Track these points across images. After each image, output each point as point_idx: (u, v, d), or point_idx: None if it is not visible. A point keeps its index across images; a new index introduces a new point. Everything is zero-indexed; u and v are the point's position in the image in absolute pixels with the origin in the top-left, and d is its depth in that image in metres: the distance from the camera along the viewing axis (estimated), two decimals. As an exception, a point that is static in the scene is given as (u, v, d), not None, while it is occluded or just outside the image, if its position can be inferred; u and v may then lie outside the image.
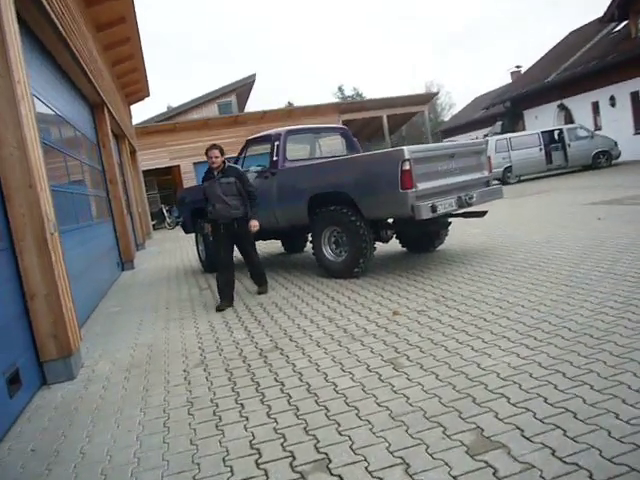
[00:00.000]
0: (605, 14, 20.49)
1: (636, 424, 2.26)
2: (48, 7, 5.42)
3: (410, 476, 2.14)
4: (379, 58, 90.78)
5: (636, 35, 19.32)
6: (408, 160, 5.54)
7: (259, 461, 2.43)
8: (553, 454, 2.13)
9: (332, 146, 8.51)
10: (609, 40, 21.59)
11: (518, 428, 2.37)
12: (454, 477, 2.08)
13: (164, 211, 22.79)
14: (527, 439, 2.27)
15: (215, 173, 5.83)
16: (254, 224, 5.82)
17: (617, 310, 3.78)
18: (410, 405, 2.77)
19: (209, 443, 2.67)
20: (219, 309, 5.63)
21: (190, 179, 23.38)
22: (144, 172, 20.52)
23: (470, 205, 6.12)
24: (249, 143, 7.84)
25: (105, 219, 9.34)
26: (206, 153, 5.85)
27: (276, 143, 7.15)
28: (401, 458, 2.28)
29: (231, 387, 3.40)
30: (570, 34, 27.82)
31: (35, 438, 3.07)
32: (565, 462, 2.06)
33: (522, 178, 18.61)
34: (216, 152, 5.76)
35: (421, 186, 5.67)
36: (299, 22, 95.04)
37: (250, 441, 2.63)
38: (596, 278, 4.73)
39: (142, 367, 4.08)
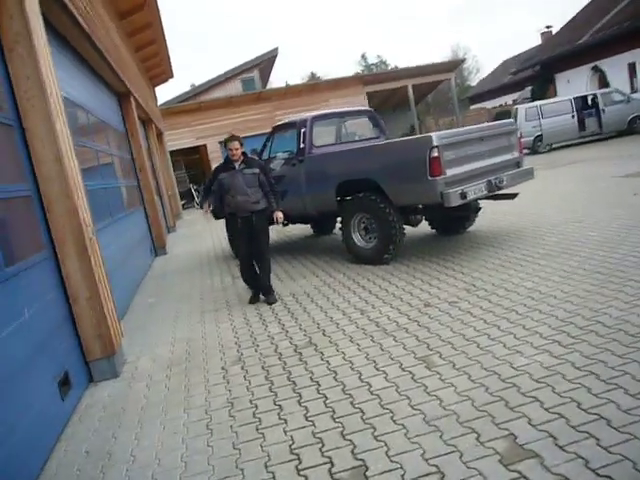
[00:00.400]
0: (640, -30, 19.56)
1: (670, 432, 2.28)
2: (72, 6, 5.48)
3: (446, 486, 2.22)
4: (404, 21, 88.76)
5: (673, -8, 18.43)
6: (436, 147, 5.51)
7: (299, 467, 2.55)
8: (586, 465, 2.18)
9: (359, 129, 8.48)
10: (644, -2, 20.64)
11: (551, 436, 2.42)
12: (489, 488, 2.15)
13: (193, 190, 23.01)
14: (560, 448, 2.32)
15: (236, 165, 5.65)
16: (279, 215, 5.69)
17: (652, 302, 3.75)
18: (443, 409, 2.84)
19: (251, 447, 2.79)
20: (252, 302, 5.76)
21: (217, 158, 23.47)
22: (171, 152, 20.72)
23: (500, 189, 6.07)
24: (275, 130, 7.86)
25: (137, 207, 9.52)
26: (225, 145, 5.65)
27: (302, 130, 7.17)
28: (436, 467, 2.36)
29: (269, 387, 3.52)
30: (603, -9, 26.66)
31: (88, 439, 3.25)
32: (598, 474, 2.11)
33: (554, 146, 18.18)
34: (236, 144, 5.53)
35: (450, 172, 5.64)
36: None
37: (290, 445, 2.75)
38: (631, 265, 4.67)
39: (182, 365, 4.23)
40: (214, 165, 22.88)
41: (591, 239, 5.78)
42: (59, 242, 3.97)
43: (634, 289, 4.07)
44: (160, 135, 17.50)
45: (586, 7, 26.72)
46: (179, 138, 22.65)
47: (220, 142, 22.84)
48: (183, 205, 21.13)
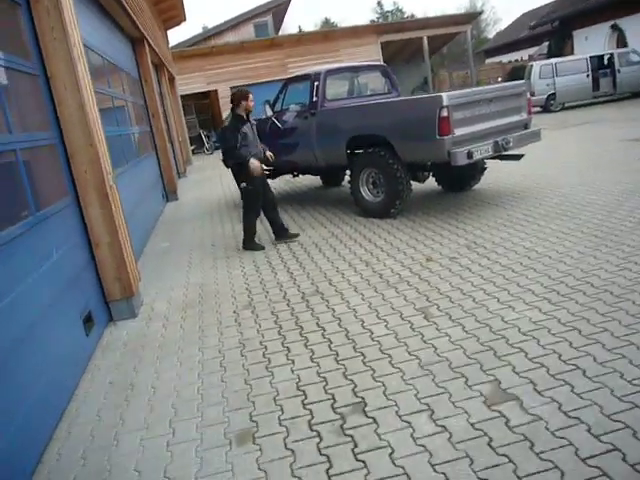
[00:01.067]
0: None
1: (638, 384, 2.54)
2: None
3: (434, 421, 2.50)
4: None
5: (703, -53, 17.78)
6: (446, 107, 5.62)
7: (305, 402, 2.84)
8: (559, 408, 2.45)
9: (371, 84, 8.53)
10: (673, -48, 19.90)
11: (532, 382, 2.69)
12: (471, 424, 2.44)
13: (202, 136, 23.02)
14: (538, 393, 2.59)
15: (250, 119, 5.96)
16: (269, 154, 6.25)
17: (641, 266, 3.98)
18: (438, 355, 3.11)
19: (261, 383, 3.09)
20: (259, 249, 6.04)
21: (227, 104, 23.25)
22: (182, 97, 20.63)
23: (507, 150, 6.20)
24: (288, 82, 7.93)
25: (149, 153, 9.69)
26: (247, 97, 5.80)
27: (315, 83, 7.24)
28: (427, 405, 2.64)
29: (277, 330, 3.81)
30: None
31: (111, 371, 3.57)
32: (569, 416, 2.39)
33: (566, 105, 18.02)
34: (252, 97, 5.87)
35: (458, 132, 5.77)
36: None
37: (297, 383, 3.04)
38: (626, 229, 4.87)
39: (196, 307, 4.53)
40: (225, 111, 22.88)
41: (592, 202, 5.95)
42: (82, 189, 4.18)
43: (625, 253, 4.28)
44: (172, 80, 17.42)
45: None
46: (190, 82, 22.51)
47: (232, 87, 22.74)
48: (193, 150, 21.20)
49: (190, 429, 2.74)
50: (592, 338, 3.03)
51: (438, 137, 5.68)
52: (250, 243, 6.14)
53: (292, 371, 3.19)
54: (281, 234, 6.27)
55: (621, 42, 21.49)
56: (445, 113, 5.63)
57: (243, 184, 5.90)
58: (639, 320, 3.16)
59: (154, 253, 6.65)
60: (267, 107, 7.58)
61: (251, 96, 5.86)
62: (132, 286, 4.48)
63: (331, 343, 3.49)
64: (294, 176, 8.90)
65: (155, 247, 6.96)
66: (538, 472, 2.09)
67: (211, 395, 3.04)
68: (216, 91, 23.53)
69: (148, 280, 5.42)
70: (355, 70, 8.14)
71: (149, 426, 2.84)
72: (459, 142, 5.78)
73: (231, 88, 23.06)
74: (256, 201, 6.07)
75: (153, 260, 6.31)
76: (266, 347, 3.57)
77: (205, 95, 24.78)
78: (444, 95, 5.68)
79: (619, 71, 17.38)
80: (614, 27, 21.78)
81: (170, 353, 3.70)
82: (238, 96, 5.81)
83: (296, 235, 6.30)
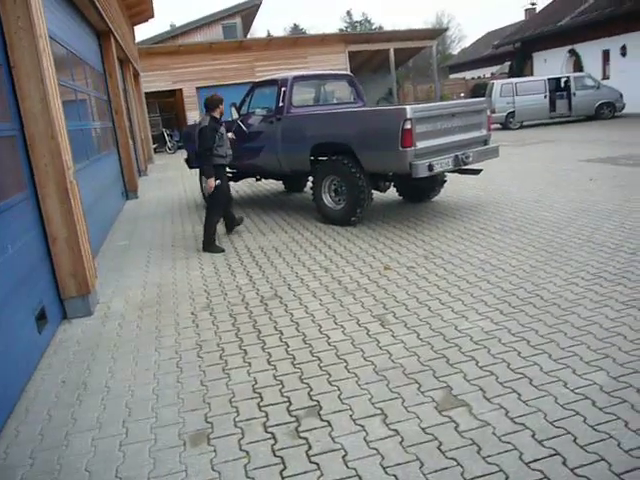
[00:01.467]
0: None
1: (580, 393, 2.68)
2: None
3: (386, 425, 2.57)
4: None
5: (656, -18, 18.73)
6: (410, 119, 5.75)
7: (260, 404, 2.87)
8: (506, 414, 2.56)
9: (337, 92, 8.63)
10: (628, -15, 20.90)
11: (481, 389, 2.79)
12: (423, 429, 2.51)
13: (165, 135, 22.73)
14: (487, 400, 2.69)
15: (222, 122, 6.32)
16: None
17: (587, 282, 4.16)
18: (392, 361, 3.19)
19: (217, 385, 3.10)
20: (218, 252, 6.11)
21: (192, 103, 23.21)
22: (146, 94, 20.34)
23: (466, 164, 6.38)
24: (255, 86, 7.95)
25: (111, 150, 9.53)
26: (222, 102, 6.24)
27: (283, 89, 7.29)
28: (380, 409, 2.71)
29: (235, 332, 3.82)
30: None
31: (63, 370, 3.50)
32: (515, 422, 2.49)
33: (524, 124, 18.60)
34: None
35: (420, 145, 5.91)
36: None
37: (253, 385, 3.06)
38: (575, 245, 5.09)
39: (153, 307, 4.49)
40: (190, 112, 22.69)
41: (544, 219, 6.18)
42: (41, 183, 4.10)
43: (573, 268, 4.48)
44: (137, 76, 17.18)
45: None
46: (155, 80, 22.23)
47: (197, 87, 22.60)
48: (155, 149, 20.90)
49: (144, 429, 2.73)
50: (539, 348, 3.17)
51: (401, 148, 5.80)
52: (210, 246, 6.15)
53: (249, 373, 3.21)
54: (232, 225, 6.84)
55: (577, 66, 22.39)
56: (408, 125, 5.76)
57: (218, 181, 6.07)
58: (584, 332, 3.32)
59: (112, 251, 6.54)
60: (233, 110, 7.57)
61: (222, 104, 6.26)
62: (88, 283, 4.40)
63: (288, 347, 3.52)
64: (257, 180, 8.92)
65: (113, 245, 6.85)
66: (484, 475, 2.17)
67: (166, 396, 3.03)
68: (181, 90, 23.29)
69: (105, 278, 5.34)
70: (322, 78, 8.23)
71: (101, 426, 2.81)
72: (421, 154, 5.92)
73: (197, 88, 22.95)
74: (222, 202, 6.31)
75: (111, 258, 6.21)
76: (223, 349, 3.57)
77: (170, 94, 24.49)
78: (408, 108, 5.81)
79: (574, 94, 18.09)
80: (572, 52, 22.68)
81: (126, 353, 3.66)
82: (215, 100, 6.17)
83: (242, 219, 7.05)
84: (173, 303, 4.54)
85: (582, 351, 3.09)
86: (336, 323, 3.83)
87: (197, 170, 9.20)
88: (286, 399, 2.88)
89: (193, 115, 22.99)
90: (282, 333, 3.75)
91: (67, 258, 4.29)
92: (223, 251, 6.06)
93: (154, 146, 20.89)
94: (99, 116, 8.65)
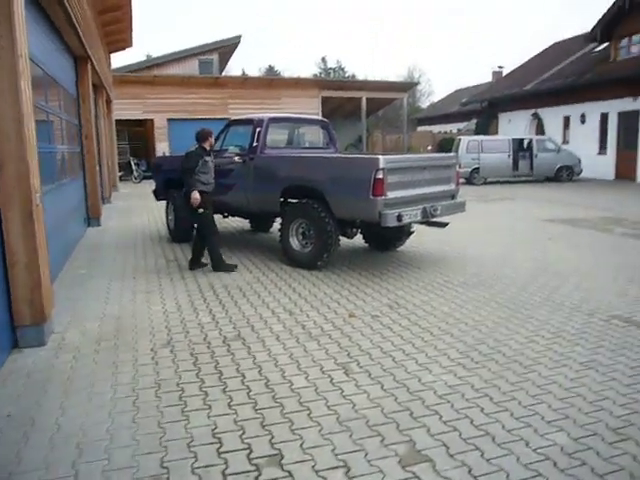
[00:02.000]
0: (590, 33, 21.04)
1: (542, 453, 2.69)
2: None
3: (349, 478, 2.52)
4: (366, 33, 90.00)
5: (614, 59, 19.99)
6: (382, 169, 5.87)
7: (220, 450, 2.77)
8: (469, 472, 2.54)
9: (311, 137, 8.77)
10: (589, 58, 22.25)
11: (445, 445, 2.78)
12: (386, 484, 2.47)
13: (132, 163, 22.50)
14: (451, 456, 2.68)
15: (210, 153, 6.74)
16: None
17: (547, 340, 4.25)
18: (356, 412, 3.15)
19: (175, 428, 2.99)
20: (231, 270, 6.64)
21: (163, 134, 23.17)
22: (116, 121, 20.21)
23: (434, 217, 6.52)
24: (231, 124, 8.01)
25: (77, 175, 9.37)
26: (211, 135, 6.74)
27: (258, 129, 7.36)
28: (343, 461, 2.65)
29: (196, 373, 3.72)
30: (554, 45, 28.44)
31: (11, 403, 3.32)
32: (478, 481, 2.48)
33: (488, 180, 19.21)
34: None
35: (391, 195, 6.01)
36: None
37: (212, 430, 2.97)
38: (535, 304, 5.21)
39: (111, 341, 4.34)
40: (160, 142, 22.63)
41: (507, 275, 6.33)
42: (5, 205, 3.98)
43: (534, 326, 4.57)
44: (109, 102, 17.08)
45: (539, 55, 28.36)
46: (127, 108, 22.14)
47: (169, 119, 22.60)
48: (120, 177, 20.64)
49: (95, 473, 2.59)
50: (502, 406, 3.19)
51: (371, 197, 5.89)
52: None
53: (209, 417, 3.11)
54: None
55: (540, 129, 23.45)
56: (380, 175, 5.87)
57: (200, 210, 6.39)
58: (544, 392, 3.36)
59: (70, 279, 6.34)
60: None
61: (212, 137, 6.78)
62: (44, 312, 4.24)
63: (250, 391, 3.45)
64: (224, 217, 8.87)
65: (72, 273, 6.64)
66: (446, 536, 2.14)
67: (121, 436, 2.91)
68: (152, 121, 23.25)
69: (62, 307, 5.15)
70: (298, 121, 8.36)
71: (49, 467, 2.66)
72: (391, 204, 6.02)
73: (168, 120, 22.96)
74: (213, 224, 6.63)
75: (69, 287, 6.01)
76: (183, 389, 3.47)
77: (140, 123, 24.42)
78: (381, 158, 5.93)
79: (536, 156, 18.88)
80: (535, 115, 23.78)
81: (79, 388, 3.51)
82: (205, 133, 6.63)
83: (205, 264, 6.81)
84: (132, 338, 4.41)
85: (543, 410, 3.13)
86: (300, 369, 3.78)
87: (164, 202, 9.16)
88: (247, 446, 2.80)
89: (162, 146, 22.95)
90: (244, 376, 3.67)
91: (25, 284, 4.13)
92: (235, 267, 6.69)
93: (120, 174, 20.65)
94: (69, 140, 8.53)
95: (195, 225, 7.00)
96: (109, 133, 16.71)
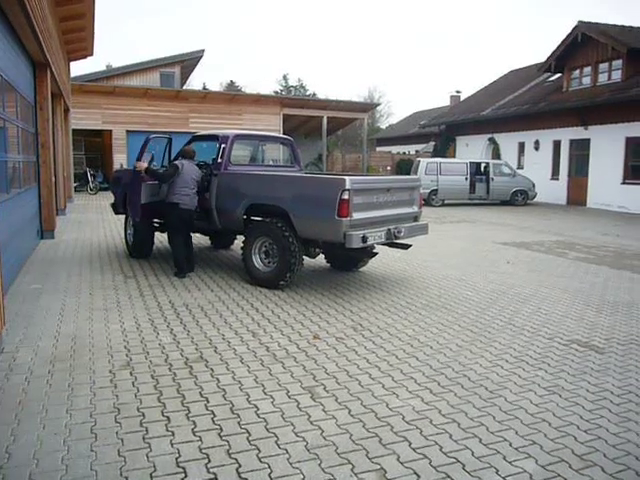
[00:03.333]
0: (544, 63, 21.89)
1: (510, 482, 2.69)
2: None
3: (319, 510, 2.45)
4: (328, 52, 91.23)
5: (567, 89, 20.83)
6: (348, 190, 5.87)
7: (184, 480, 2.66)
8: (441, 503, 2.52)
9: (275, 155, 8.75)
10: (543, 88, 23.14)
11: (416, 473, 2.74)
12: (357, 516, 2.41)
13: (89, 174, 21.91)
14: (421, 485, 2.65)
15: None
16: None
17: (511, 364, 4.30)
18: (324, 438, 3.09)
19: (136, 456, 2.85)
20: (180, 276, 7.09)
21: (121, 146, 22.71)
22: (73, 131, 19.68)
23: (398, 238, 6.55)
24: (194, 139, 7.90)
25: (31, 185, 9.03)
26: (193, 157, 7.26)
27: (222, 145, 7.28)
28: (313, 492, 2.59)
29: (157, 396, 3.58)
30: (510, 73, 29.47)
31: (-43, 429, 3.12)
32: (450, 512, 2.45)
33: (446, 202, 19.58)
34: None
35: (356, 215, 6.02)
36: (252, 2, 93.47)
37: (176, 458, 2.85)
38: (497, 327, 5.28)
39: (66, 361, 4.15)
40: (118, 154, 22.19)
41: (468, 298, 6.40)
42: (-42, 217, 3.78)
43: (497, 350, 4.62)
44: (67, 111, 16.63)
45: (496, 82, 29.31)
46: (85, 118, 21.65)
47: (128, 131, 22.20)
48: (76, 187, 20.06)
49: (49, 505, 2.44)
50: (470, 432, 3.19)
51: (336, 218, 5.88)
52: (179, 267, 7.17)
53: (172, 444, 2.99)
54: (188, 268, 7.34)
55: (495, 154, 24.14)
56: (346, 196, 5.87)
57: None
58: (510, 417, 3.38)
59: (22, 295, 6.06)
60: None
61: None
62: (-5, 331, 4.03)
63: (215, 416, 3.34)
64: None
65: (24, 288, 6.36)
66: None
67: (78, 466, 2.75)
68: (111, 132, 22.77)
69: (12, 325, 4.92)
70: (263, 139, 8.33)
71: (-1, 499, 2.49)
72: (355, 225, 6.02)
73: (127, 131, 22.53)
74: (177, 226, 7.12)
75: (20, 302, 5.75)
76: (144, 414, 3.32)
77: (97, 133, 23.88)
78: (347, 179, 5.94)
79: (493, 179, 19.41)
80: (491, 140, 24.48)
81: (32, 413, 3.32)
82: (191, 152, 7.23)
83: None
84: (89, 359, 4.22)
85: (511, 436, 3.14)
86: (265, 393, 3.70)
87: (122, 216, 8.93)
88: (213, 476, 2.70)
89: (120, 158, 22.47)
90: (208, 400, 3.55)
91: (-25, 301, 3.91)
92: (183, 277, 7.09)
93: (75, 184, 20.07)
94: (24, 149, 8.22)
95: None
96: (66, 143, 16.24)
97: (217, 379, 3.90)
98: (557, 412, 3.48)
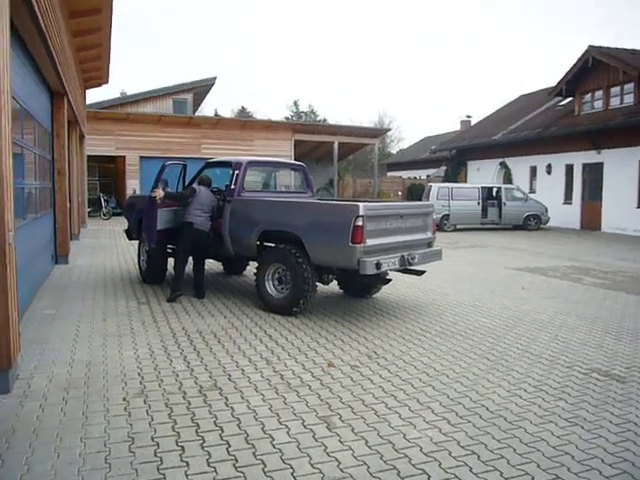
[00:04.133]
0: (554, 88, 21.99)
1: (534, 518, 2.62)
2: (36, 5, 5.41)
3: None
4: (338, 77, 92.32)
5: (578, 113, 20.86)
6: (362, 216, 5.87)
7: (199, 513, 2.61)
8: (463, 540, 2.44)
9: (288, 180, 8.80)
10: (554, 112, 23.20)
11: (435, 509, 2.68)
12: None
13: (102, 200, 22.17)
14: (442, 521, 2.58)
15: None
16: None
17: (530, 394, 4.22)
18: (341, 471, 3.03)
19: (151, 488, 2.82)
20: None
21: (134, 172, 22.99)
22: (88, 157, 19.99)
23: (411, 265, 6.52)
24: (208, 165, 7.97)
25: (47, 211, 9.14)
26: (209, 184, 7.49)
27: (236, 172, 7.33)
28: (331, 527, 2.52)
29: (172, 425, 3.55)
30: (521, 97, 29.61)
31: (-29, 458, 3.09)
32: None
33: (458, 227, 19.53)
34: None
35: (370, 242, 6.00)
36: (262, 26, 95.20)
37: (191, 490, 2.80)
38: (514, 355, 5.20)
39: (80, 389, 4.13)
40: (131, 180, 22.47)
41: (483, 325, 6.33)
42: (-23, 244, 3.81)
43: (515, 379, 4.54)
44: (82, 138, 16.91)
45: (507, 106, 29.43)
46: (100, 145, 21.99)
47: (141, 157, 22.51)
48: (89, 213, 20.28)
49: (64, 538, 2.41)
50: (490, 465, 3.11)
51: (350, 244, 5.87)
52: (175, 286, 7.24)
53: (186, 475, 2.94)
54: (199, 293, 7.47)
55: (507, 178, 24.12)
56: (360, 222, 5.87)
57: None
58: (532, 449, 3.30)
59: (36, 320, 6.08)
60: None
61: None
62: (11, 357, 4.02)
63: (229, 446, 3.29)
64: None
65: (38, 314, 6.38)
66: None
67: (92, 497, 2.72)
68: (124, 157, 23.08)
69: (27, 351, 4.91)
70: (276, 165, 8.40)
71: (12, 531, 2.46)
72: (369, 252, 6.00)
73: (141, 157, 22.83)
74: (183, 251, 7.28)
75: (35, 328, 5.76)
76: (158, 444, 3.29)
77: (111, 159, 24.22)
78: (361, 205, 5.94)
79: (505, 204, 19.36)
80: (502, 164, 24.49)
81: (46, 441, 3.29)
82: (207, 179, 7.45)
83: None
84: (103, 386, 4.20)
85: (532, 470, 3.06)
86: (280, 422, 3.65)
87: (135, 242, 8.98)
88: (228, 509, 2.65)
89: (133, 183, 22.73)
90: (222, 430, 3.51)
91: (-9, 328, 3.92)
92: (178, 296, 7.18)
93: (89, 210, 20.30)
94: (41, 175, 8.34)
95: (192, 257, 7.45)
96: (81, 169, 16.48)
97: (232, 408, 3.86)
98: (580, 445, 3.39)
